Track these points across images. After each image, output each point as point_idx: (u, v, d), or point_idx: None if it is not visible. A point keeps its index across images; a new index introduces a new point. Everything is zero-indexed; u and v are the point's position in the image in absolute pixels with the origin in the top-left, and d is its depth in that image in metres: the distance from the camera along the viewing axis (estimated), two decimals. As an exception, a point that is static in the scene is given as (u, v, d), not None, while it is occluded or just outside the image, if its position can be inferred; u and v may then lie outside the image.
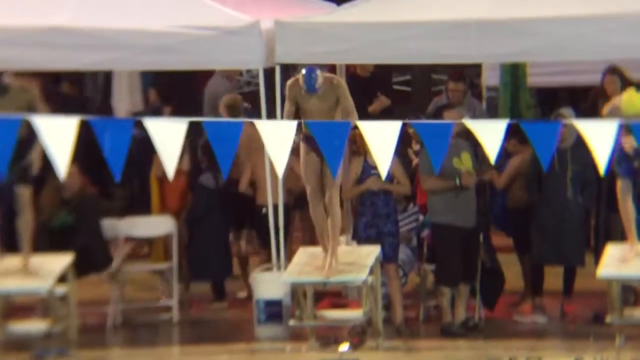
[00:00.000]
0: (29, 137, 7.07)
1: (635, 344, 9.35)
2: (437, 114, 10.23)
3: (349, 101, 9.24)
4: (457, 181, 9.87)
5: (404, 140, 8.67)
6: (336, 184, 9.47)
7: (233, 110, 10.89)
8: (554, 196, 10.16)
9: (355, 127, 6.55)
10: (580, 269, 10.31)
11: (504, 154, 10.05)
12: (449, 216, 9.92)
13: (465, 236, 9.92)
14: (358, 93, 9.95)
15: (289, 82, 9.43)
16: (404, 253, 10.23)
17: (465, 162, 9.88)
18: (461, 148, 9.80)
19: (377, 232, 9.94)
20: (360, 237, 10.07)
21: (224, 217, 10.91)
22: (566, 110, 10.38)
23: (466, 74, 11.78)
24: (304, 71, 9.29)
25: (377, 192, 9.99)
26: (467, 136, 9.17)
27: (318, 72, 9.28)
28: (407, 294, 10.41)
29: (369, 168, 9.87)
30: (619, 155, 9.24)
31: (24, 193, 9.66)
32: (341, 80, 9.53)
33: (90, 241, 10.38)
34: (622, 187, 9.46)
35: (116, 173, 5.37)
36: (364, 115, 7.82)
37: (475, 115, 10.61)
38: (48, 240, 10.35)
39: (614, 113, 9.12)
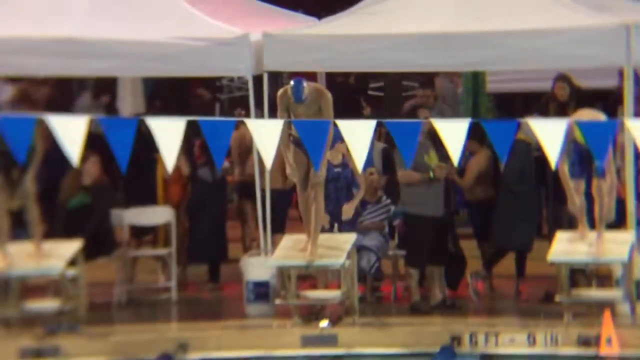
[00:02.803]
0: None
1: (581, 321, 9.40)
2: (412, 113, 10.35)
3: (329, 113, 9.25)
4: (431, 174, 9.95)
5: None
6: (320, 180, 9.52)
7: None
8: (521, 190, 10.19)
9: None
10: (533, 254, 10.33)
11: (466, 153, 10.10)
12: (421, 207, 9.99)
13: (435, 224, 10.00)
14: (341, 96, 10.00)
15: (279, 93, 9.48)
16: (376, 240, 10.26)
17: (433, 158, 10.00)
18: (429, 146, 9.88)
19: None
20: None
21: (220, 206, 10.98)
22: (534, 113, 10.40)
23: (434, 81, 11.83)
24: (292, 83, 9.33)
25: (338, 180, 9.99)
26: (430, 136, 9.27)
27: (305, 83, 9.32)
28: (381, 276, 10.41)
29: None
30: (573, 158, 9.34)
31: (29, 187, 9.65)
32: (326, 92, 9.52)
33: (101, 226, 10.39)
34: (574, 185, 9.48)
35: (122, 165, 5.41)
36: (348, 116, 7.84)
37: (444, 117, 10.67)
38: (64, 218, 10.38)
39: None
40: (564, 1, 9.97)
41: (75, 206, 10.43)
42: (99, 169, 10.42)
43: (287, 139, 9.25)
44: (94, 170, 10.37)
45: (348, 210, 9.98)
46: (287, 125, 7.78)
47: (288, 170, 9.57)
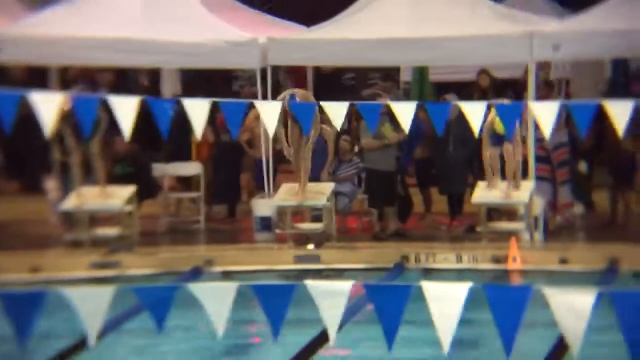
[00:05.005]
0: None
1: (494, 245, 9.43)
2: (372, 97, 10.36)
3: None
4: (386, 140, 9.93)
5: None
6: (309, 145, 9.62)
7: None
8: (447, 150, 10.23)
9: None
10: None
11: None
12: (378, 164, 10.02)
13: (387, 177, 10.04)
14: (323, 84, 9.95)
15: (279, 97, 9.53)
16: (349, 187, 10.24)
17: (387, 129, 9.96)
18: (385, 120, 9.80)
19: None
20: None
21: (236, 163, 10.85)
22: (450, 95, 10.40)
23: (391, 73, 11.80)
24: (288, 97, 9.37)
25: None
26: (388, 112, 9.19)
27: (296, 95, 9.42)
28: (352, 213, 10.37)
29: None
30: (489, 132, 9.37)
31: (95, 146, 9.66)
32: (311, 96, 9.65)
33: (146, 178, 10.29)
34: (492, 151, 9.56)
35: (164, 134, 5.29)
36: (329, 98, 7.87)
37: (397, 100, 10.65)
38: (116, 181, 10.32)
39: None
40: (487, 15, 9.96)
41: (120, 174, 10.21)
42: (124, 144, 9.97)
43: (287, 117, 9.26)
44: (121, 147, 10.09)
45: (324, 176, 10.09)
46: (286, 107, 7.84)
47: (290, 140, 9.61)
